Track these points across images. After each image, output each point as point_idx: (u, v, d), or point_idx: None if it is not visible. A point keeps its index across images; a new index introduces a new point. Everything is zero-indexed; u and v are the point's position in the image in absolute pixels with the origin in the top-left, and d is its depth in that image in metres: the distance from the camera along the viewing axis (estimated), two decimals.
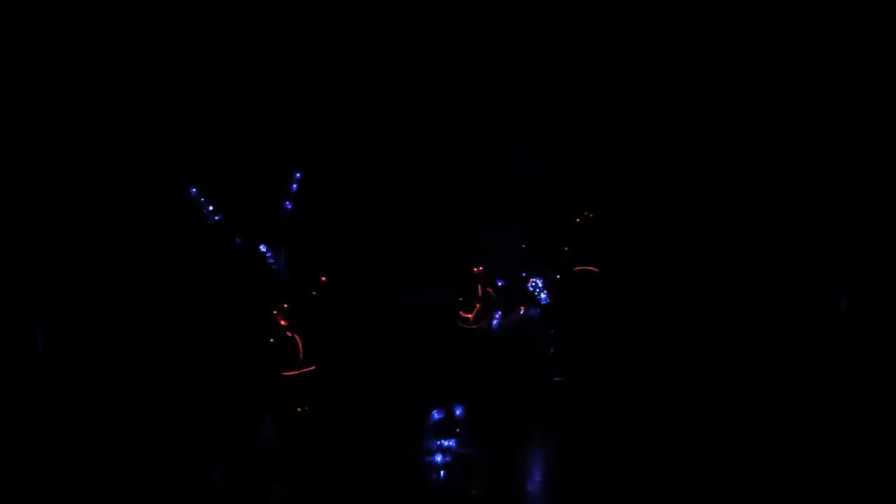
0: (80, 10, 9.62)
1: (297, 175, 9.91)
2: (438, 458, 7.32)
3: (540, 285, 10.17)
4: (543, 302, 10.10)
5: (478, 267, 8.75)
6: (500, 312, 9.94)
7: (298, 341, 7.81)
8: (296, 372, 7.87)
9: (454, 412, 7.34)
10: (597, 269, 10.36)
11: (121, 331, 9.39)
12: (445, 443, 7.28)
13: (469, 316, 8.68)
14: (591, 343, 9.33)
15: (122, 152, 10.08)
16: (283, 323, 7.88)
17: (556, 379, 8.40)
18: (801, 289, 9.58)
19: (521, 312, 10.00)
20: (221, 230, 10.18)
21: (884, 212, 9.61)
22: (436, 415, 7.24)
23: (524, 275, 10.31)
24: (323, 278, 9.44)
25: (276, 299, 8.30)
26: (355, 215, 10.64)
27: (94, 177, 10.01)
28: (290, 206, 10.02)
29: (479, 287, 8.72)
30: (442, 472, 7.22)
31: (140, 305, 9.68)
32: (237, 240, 10.08)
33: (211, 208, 9.68)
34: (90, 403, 8.16)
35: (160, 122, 10.15)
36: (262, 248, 10.10)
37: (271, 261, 9.89)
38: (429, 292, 9.92)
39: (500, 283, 9.63)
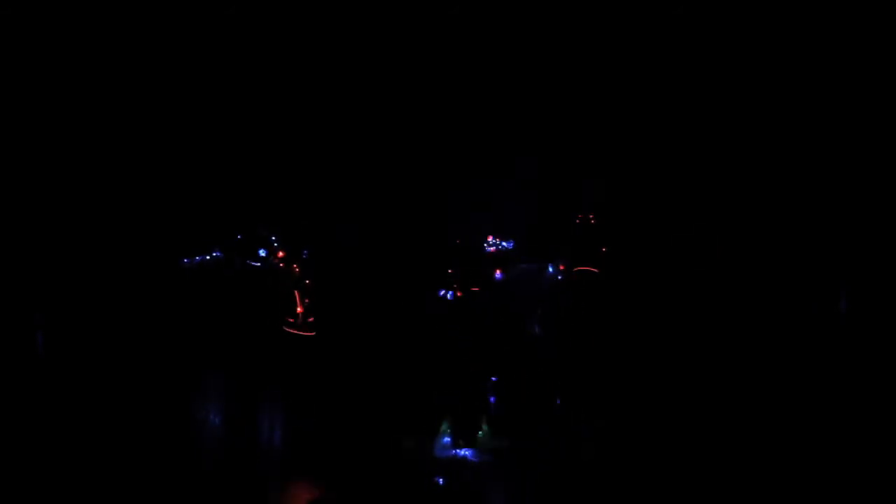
0: (81, 12, 9.65)
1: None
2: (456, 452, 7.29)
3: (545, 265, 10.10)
4: (549, 272, 10.00)
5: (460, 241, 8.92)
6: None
7: (297, 296, 7.92)
8: (296, 330, 7.94)
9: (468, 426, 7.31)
10: (596, 270, 10.36)
11: (120, 331, 9.39)
12: (461, 452, 7.26)
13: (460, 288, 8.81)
14: (592, 343, 9.33)
15: (122, 152, 10.10)
16: (296, 270, 8.00)
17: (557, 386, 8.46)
18: (801, 289, 9.59)
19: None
20: (221, 229, 10.20)
21: (884, 212, 9.61)
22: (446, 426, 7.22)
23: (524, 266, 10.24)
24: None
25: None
26: (358, 215, 10.65)
27: (93, 177, 10.03)
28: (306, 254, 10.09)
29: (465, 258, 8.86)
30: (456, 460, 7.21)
31: (139, 305, 9.70)
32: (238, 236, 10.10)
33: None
34: (90, 403, 8.16)
35: (159, 122, 10.17)
36: (262, 253, 10.12)
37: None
38: (429, 292, 9.94)
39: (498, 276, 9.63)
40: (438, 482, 6.83)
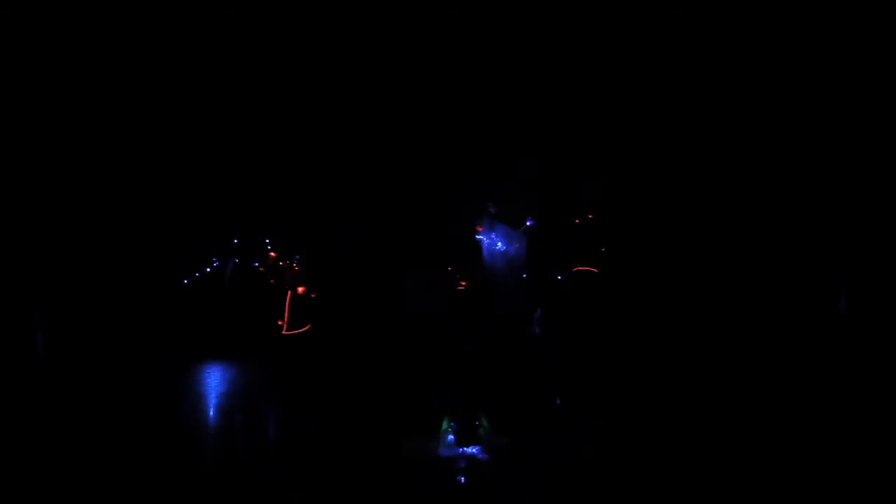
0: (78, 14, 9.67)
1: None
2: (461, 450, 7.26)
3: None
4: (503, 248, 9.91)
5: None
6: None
7: (288, 299, 8.02)
8: (294, 330, 8.03)
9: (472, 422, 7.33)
10: (596, 270, 10.37)
11: (119, 331, 9.42)
12: (468, 450, 7.27)
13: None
14: (591, 343, 9.35)
15: (120, 153, 10.12)
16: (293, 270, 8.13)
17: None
18: (801, 289, 9.60)
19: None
20: (220, 229, 10.22)
21: (884, 212, 9.62)
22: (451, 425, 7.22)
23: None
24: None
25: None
26: (358, 215, 10.66)
27: (92, 179, 10.05)
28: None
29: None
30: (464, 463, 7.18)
31: (138, 305, 9.72)
32: (235, 240, 10.13)
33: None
34: (90, 403, 8.17)
35: (158, 124, 10.19)
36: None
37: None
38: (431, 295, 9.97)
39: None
40: (437, 482, 6.85)
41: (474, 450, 7.19)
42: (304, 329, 8.12)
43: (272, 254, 9.18)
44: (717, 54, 10.09)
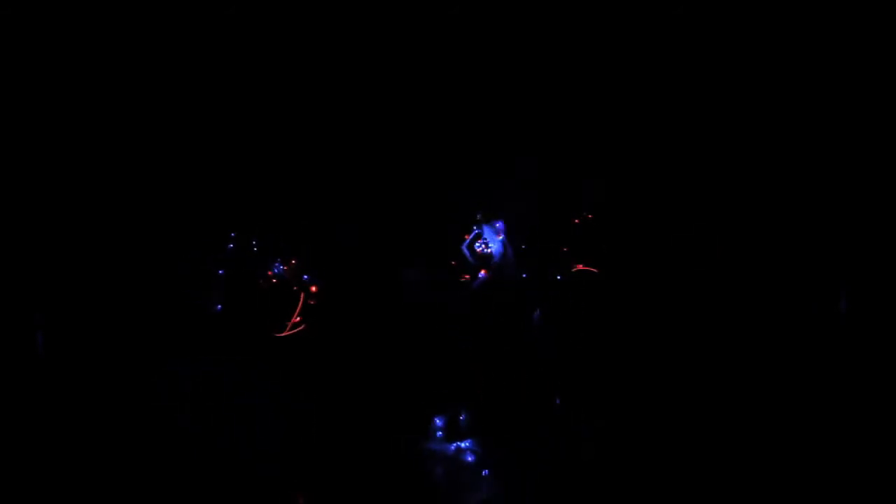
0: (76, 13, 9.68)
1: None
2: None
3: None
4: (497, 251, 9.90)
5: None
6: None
7: (301, 301, 8.07)
8: (287, 332, 8.07)
9: (459, 414, 7.38)
10: (596, 270, 10.38)
11: (120, 331, 9.42)
12: (462, 444, 7.30)
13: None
14: (590, 344, 9.36)
15: (121, 154, 10.13)
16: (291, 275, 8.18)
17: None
18: (801, 289, 9.60)
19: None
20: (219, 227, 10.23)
21: (884, 212, 9.62)
22: (439, 421, 7.25)
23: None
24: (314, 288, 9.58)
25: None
26: (358, 215, 10.67)
27: (92, 178, 10.05)
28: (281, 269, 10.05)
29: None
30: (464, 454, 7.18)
31: (138, 305, 9.72)
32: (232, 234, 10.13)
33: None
34: (90, 403, 8.19)
35: (157, 124, 10.20)
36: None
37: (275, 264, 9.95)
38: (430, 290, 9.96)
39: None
40: (437, 481, 6.86)
41: (466, 444, 7.21)
42: (298, 329, 8.15)
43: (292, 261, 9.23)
44: (718, 54, 10.09)
